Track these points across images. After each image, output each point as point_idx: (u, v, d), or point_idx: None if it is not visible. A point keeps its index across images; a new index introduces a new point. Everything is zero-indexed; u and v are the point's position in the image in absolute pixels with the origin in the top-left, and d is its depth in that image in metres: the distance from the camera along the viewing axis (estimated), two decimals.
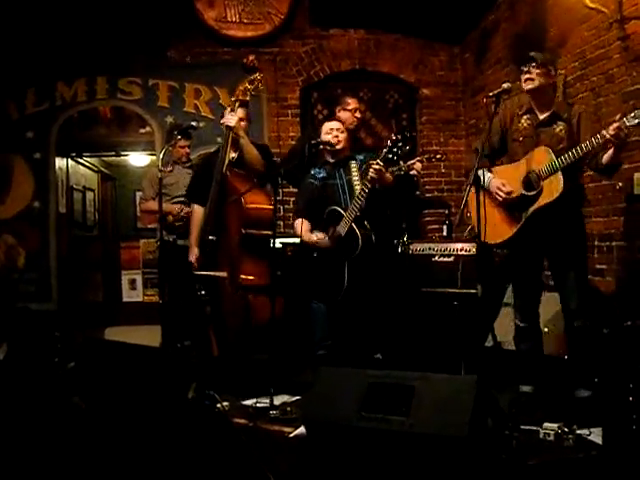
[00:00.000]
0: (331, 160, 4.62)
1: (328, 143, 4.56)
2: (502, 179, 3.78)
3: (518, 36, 5.97)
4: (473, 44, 6.97)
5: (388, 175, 4.39)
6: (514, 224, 3.74)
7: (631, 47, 4.45)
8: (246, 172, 4.62)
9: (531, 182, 3.65)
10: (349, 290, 4.29)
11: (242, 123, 4.68)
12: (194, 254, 4.75)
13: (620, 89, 4.56)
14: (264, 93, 6.88)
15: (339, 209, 4.38)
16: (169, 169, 5.74)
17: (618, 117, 3.35)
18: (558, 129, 3.68)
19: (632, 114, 3.31)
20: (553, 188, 3.54)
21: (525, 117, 3.79)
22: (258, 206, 4.44)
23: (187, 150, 5.81)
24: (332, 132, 4.57)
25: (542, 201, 3.60)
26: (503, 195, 3.73)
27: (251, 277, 4.31)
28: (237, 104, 4.65)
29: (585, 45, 4.93)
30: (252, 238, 4.36)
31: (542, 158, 3.61)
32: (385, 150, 4.09)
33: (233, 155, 4.67)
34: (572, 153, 3.48)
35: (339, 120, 4.91)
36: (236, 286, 4.32)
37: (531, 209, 3.65)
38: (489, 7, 6.51)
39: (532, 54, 3.69)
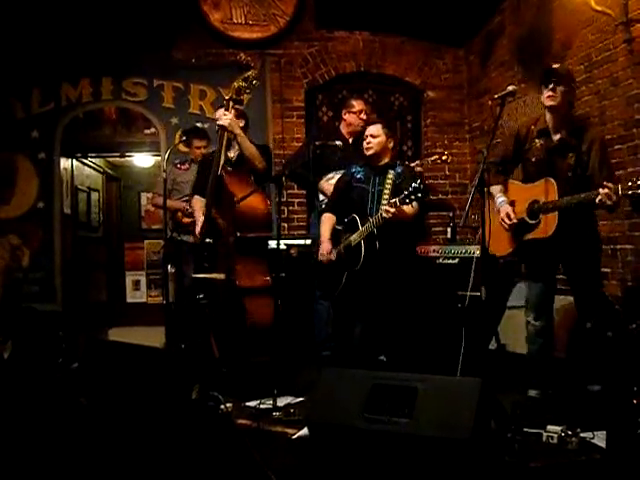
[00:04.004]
0: (371, 164, 4.51)
1: (333, 145, 4.54)
2: (512, 197, 3.85)
3: (523, 39, 5.96)
4: (478, 47, 6.96)
5: (408, 212, 4.22)
6: (511, 244, 3.86)
7: (636, 50, 4.45)
8: (243, 173, 4.53)
9: (534, 211, 3.73)
10: (348, 290, 4.33)
11: (237, 121, 4.56)
12: (199, 225, 4.55)
13: (625, 92, 4.56)
14: (269, 94, 6.91)
15: (358, 221, 4.34)
16: (185, 167, 5.90)
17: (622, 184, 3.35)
18: (569, 156, 3.71)
19: (629, 183, 3.29)
20: (548, 226, 3.63)
21: (539, 139, 3.80)
22: (251, 208, 4.28)
23: (203, 150, 5.85)
24: (367, 138, 4.46)
25: (537, 234, 3.71)
26: (505, 226, 3.80)
27: (247, 280, 4.25)
28: (230, 103, 4.56)
29: (590, 48, 4.93)
30: (246, 241, 4.26)
31: (548, 192, 3.66)
32: (405, 193, 3.95)
33: (232, 155, 4.60)
34: (570, 200, 3.52)
35: (350, 122, 4.89)
36: (232, 289, 4.24)
37: (526, 237, 3.77)
38: (494, 10, 6.50)
39: (556, 67, 3.71)
